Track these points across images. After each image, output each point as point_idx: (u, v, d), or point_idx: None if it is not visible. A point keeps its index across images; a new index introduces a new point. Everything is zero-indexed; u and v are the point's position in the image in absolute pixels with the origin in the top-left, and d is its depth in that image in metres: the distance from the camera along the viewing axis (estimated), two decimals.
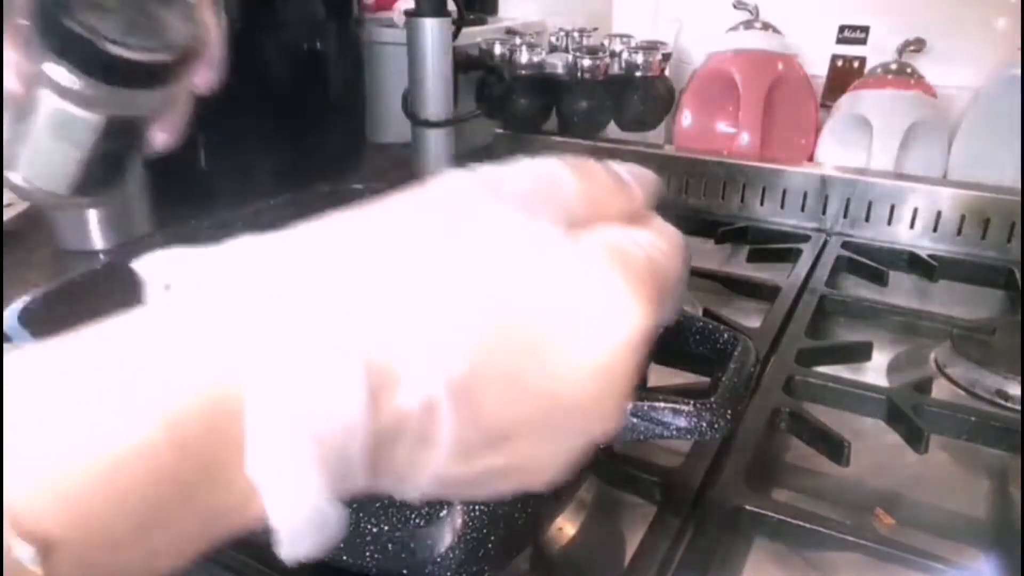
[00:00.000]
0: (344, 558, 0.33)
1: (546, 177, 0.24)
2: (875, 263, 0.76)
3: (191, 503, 0.18)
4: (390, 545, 0.32)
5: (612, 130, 1.00)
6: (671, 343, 0.42)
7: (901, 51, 0.90)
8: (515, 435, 0.22)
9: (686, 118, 0.96)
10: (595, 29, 1.06)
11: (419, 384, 0.20)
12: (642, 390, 0.36)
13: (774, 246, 0.81)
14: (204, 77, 0.44)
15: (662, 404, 0.34)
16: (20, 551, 0.16)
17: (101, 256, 0.72)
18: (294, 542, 0.19)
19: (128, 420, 0.17)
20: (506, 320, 0.21)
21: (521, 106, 0.95)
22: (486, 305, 0.21)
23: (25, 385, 0.17)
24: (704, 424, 0.34)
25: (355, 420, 0.19)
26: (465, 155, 0.96)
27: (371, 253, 0.21)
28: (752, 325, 0.61)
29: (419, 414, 0.20)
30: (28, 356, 0.18)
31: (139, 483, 0.17)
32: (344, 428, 0.19)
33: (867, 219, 0.84)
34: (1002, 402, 0.54)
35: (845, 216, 0.84)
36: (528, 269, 0.22)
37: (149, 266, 0.21)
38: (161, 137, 0.44)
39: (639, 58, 0.94)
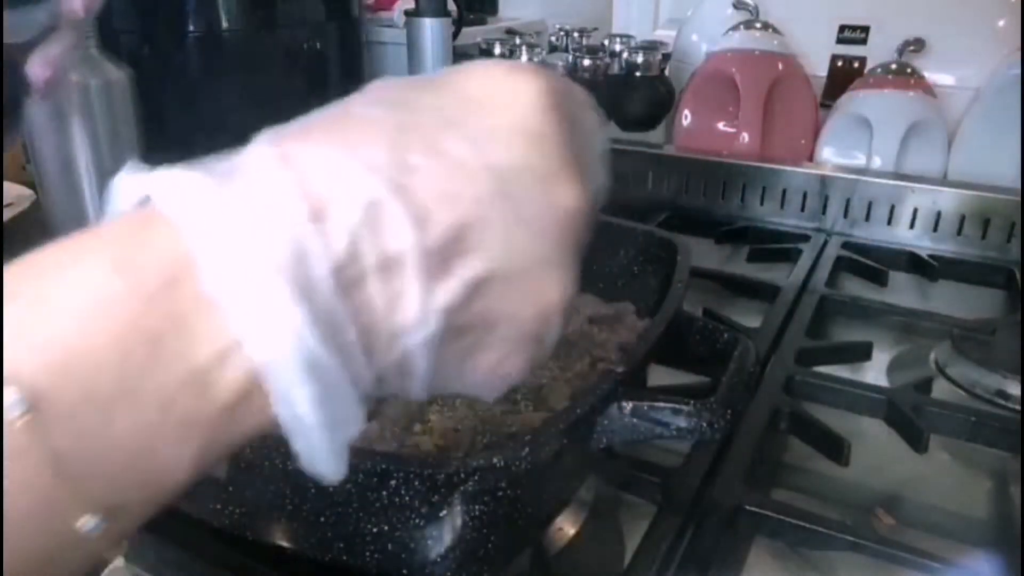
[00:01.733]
0: (344, 558, 0.33)
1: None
2: (875, 263, 0.76)
3: (166, 358, 0.18)
4: (390, 545, 0.32)
5: (612, 130, 1.00)
6: (671, 343, 0.42)
7: (901, 51, 0.90)
8: (475, 223, 0.21)
9: (686, 118, 0.96)
10: (595, 29, 1.06)
11: (353, 194, 0.20)
12: (642, 390, 0.36)
13: (774, 246, 0.81)
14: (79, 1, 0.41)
15: (662, 404, 0.34)
16: (7, 403, 0.16)
17: None
18: (287, 395, 0.19)
19: (94, 277, 0.18)
20: (416, 113, 0.22)
21: None
22: (392, 110, 0.22)
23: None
24: (704, 424, 0.34)
25: (305, 235, 0.19)
26: None
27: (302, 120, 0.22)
28: (752, 325, 0.61)
29: (366, 222, 0.20)
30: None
31: (110, 333, 0.18)
32: (296, 242, 0.19)
33: (867, 219, 0.84)
34: (1002, 402, 0.54)
35: (845, 216, 0.84)
36: (430, 77, 0.24)
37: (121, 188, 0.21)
38: (40, 73, 0.41)
39: (639, 58, 0.94)
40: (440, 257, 0.21)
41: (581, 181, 0.24)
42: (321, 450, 0.20)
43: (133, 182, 0.20)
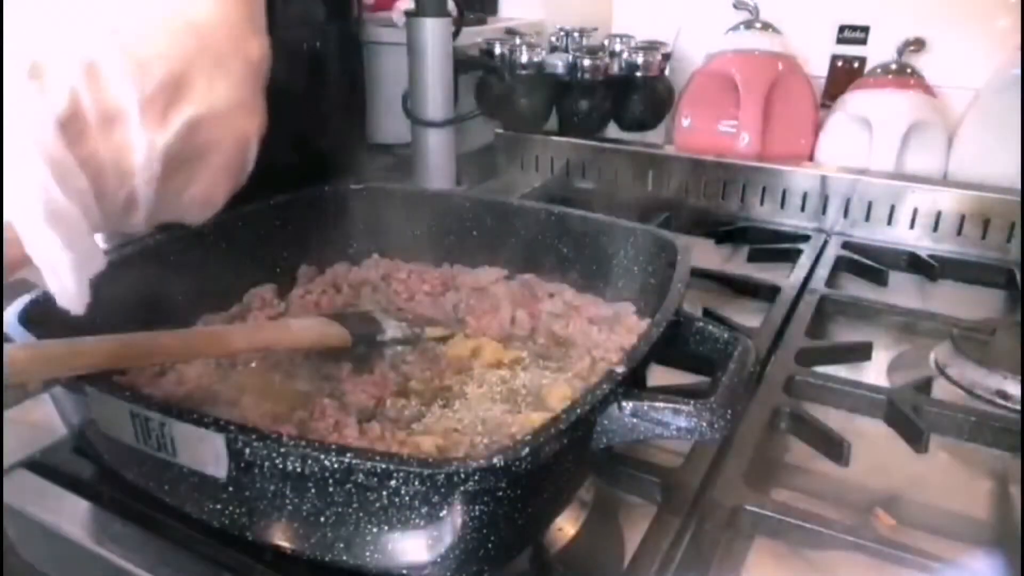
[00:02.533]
0: (344, 558, 0.33)
1: None
2: (875, 263, 0.76)
3: None
4: (390, 545, 0.32)
5: (612, 130, 1.00)
6: (671, 343, 0.42)
7: (901, 51, 0.90)
8: (188, 75, 0.24)
9: (686, 118, 0.96)
10: (595, 29, 1.06)
11: (72, 53, 0.22)
12: (642, 390, 0.36)
13: (774, 246, 0.81)
14: None
15: (662, 404, 0.34)
16: None
17: None
18: (37, 241, 0.22)
19: None
20: None
21: (521, 106, 0.95)
22: None
23: None
24: (704, 424, 0.34)
25: (27, 92, 0.21)
26: (465, 155, 0.96)
27: None
28: (752, 325, 0.61)
29: (86, 80, 0.22)
30: None
31: None
32: (21, 115, 0.21)
33: (867, 219, 0.84)
34: (1002, 402, 0.54)
35: (845, 216, 0.84)
36: None
37: None
38: None
39: (639, 58, 0.94)
40: (158, 106, 0.24)
41: (264, 32, 0.28)
42: (70, 287, 0.23)
43: None
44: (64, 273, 0.23)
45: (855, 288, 0.75)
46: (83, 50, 0.22)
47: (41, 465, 0.44)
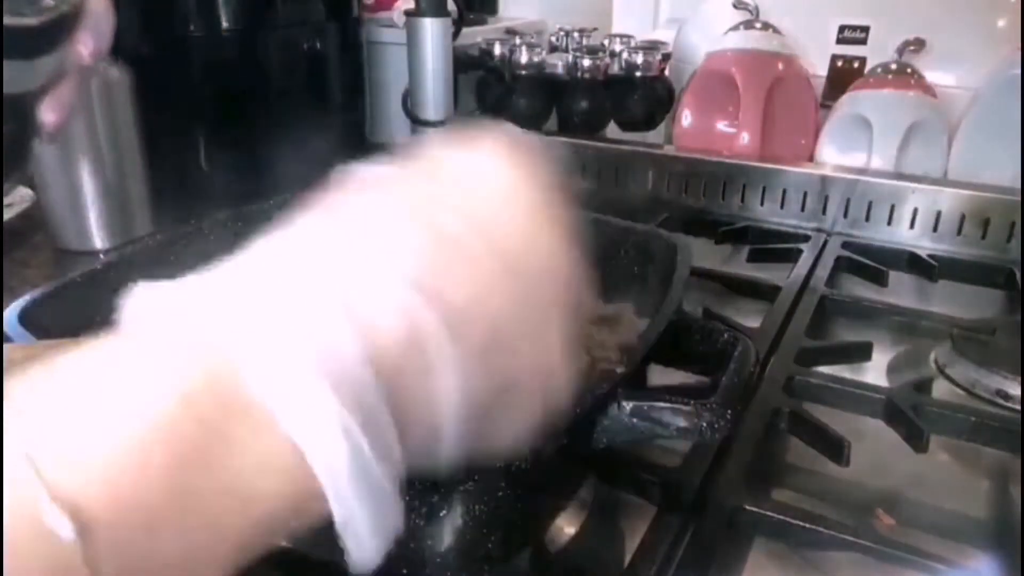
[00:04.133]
0: (344, 558, 0.32)
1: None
2: (875, 263, 0.76)
3: (215, 474, 0.19)
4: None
5: (612, 130, 1.00)
6: (671, 343, 0.42)
7: (901, 51, 0.90)
8: (502, 326, 0.24)
9: (686, 118, 0.96)
10: (595, 29, 1.06)
11: (398, 316, 0.21)
12: (642, 390, 0.36)
13: (774, 246, 0.81)
14: (88, 45, 0.39)
15: (662, 404, 0.34)
16: (59, 526, 0.16)
17: (101, 256, 0.72)
18: (342, 498, 0.20)
19: (148, 400, 0.18)
20: (445, 214, 0.23)
21: (521, 106, 0.95)
22: (423, 214, 0.23)
23: (55, 376, 0.18)
24: (704, 424, 0.34)
25: (348, 346, 0.20)
26: None
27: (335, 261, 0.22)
28: (752, 325, 0.61)
29: (410, 341, 0.21)
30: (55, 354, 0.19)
31: (166, 459, 0.18)
32: (341, 355, 0.20)
33: (867, 219, 0.84)
34: (1002, 402, 0.54)
35: (845, 216, 0.84)
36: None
37: (136, 305, 0.21)
38: (51, 117, 0.40)
39: (639, 58, 0.94)
40: (474, 361, 0.23)
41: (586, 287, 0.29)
42: (367, 548, 0.22)
43: (163, 297, 0.21)
44: (364, 533, 0.21)
45: (855, 288, 0.75)
46: (412, 318, 0.21)
47: None
